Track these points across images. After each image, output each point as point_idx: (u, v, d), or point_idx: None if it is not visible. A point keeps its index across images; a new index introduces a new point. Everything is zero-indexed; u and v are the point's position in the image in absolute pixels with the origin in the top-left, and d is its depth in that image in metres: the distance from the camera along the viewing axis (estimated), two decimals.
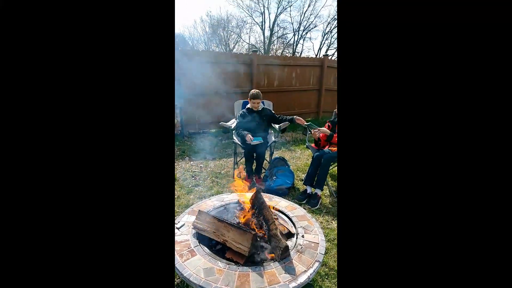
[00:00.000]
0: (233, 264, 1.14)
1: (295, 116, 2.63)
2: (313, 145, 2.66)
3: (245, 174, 2.60)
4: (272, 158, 2.78)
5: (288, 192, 2.44)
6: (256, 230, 1.31)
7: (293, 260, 1.15)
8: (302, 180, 2.53)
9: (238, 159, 2.87)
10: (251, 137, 2.38)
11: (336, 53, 14.35)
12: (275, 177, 2.50)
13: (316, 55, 14.26)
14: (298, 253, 1.21)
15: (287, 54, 14.12)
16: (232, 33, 14.66)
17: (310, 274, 1.09)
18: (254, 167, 2.61)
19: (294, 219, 1.47)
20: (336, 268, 1.50)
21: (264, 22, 14.15)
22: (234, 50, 14.43)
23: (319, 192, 2.29)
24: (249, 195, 1.63)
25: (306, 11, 13.80)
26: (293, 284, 1.03)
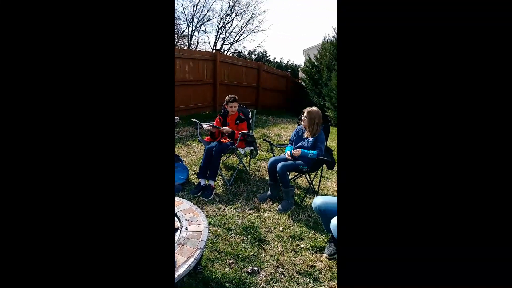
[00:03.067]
0: None
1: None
2: (206, 138, 2.71)
3: None
4: None
5: (182, 188, 2.41)
6: None
7: (175, 254, 1.16)
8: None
9: None
10: None
11: (230, 47, 14.88)
12: None
13: (212, 49, 14.35)
14: (180, 245, 1.23)
15: (182, 46, 13.54)
16: None
17: (191, 262, 1.13)
18: None
19: (179, 214, 1.47)
20: (226, 250, 1.62)
21: None
22: None
23: (212, 183, 2.37)
24: None
25: (198, 3, 13.56)
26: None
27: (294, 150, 2.26)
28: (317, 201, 1.61)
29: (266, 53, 18.82)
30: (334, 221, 1.33)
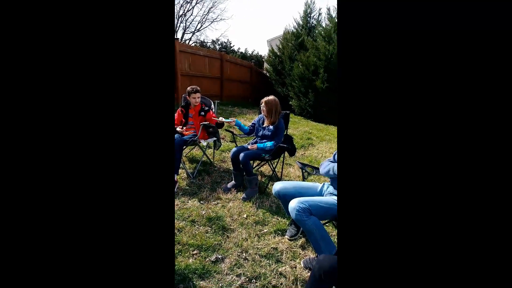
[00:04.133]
0: None
1: None
2: None
3: None
4: None
5: None
6: None
7: None
8: None
9: None
10: None
11: (192, 37, 14.30)
12: None
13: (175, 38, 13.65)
14: None
15: None
16: None
17: None
18: None
19: None
20: (190, 242, 1.61)
21: None
22: None
23: (175, 176, 2.31)
24: None
25: None
26: None
27: (249, 145, 2.32)
28: (277, 186, 1.66)
29: (230, 43, 18.51)
30: (291, 204, 1.39)
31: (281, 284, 1.36)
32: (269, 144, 2.25)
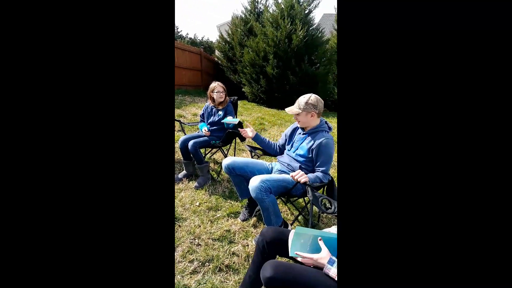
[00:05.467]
0: None
1: None
2: None
3: None
4: None
5: None
6: None
7: None
8: None
9: None
10: None
11: None
12: None
13: None
14: None
15: None
16: None
17: None
18: None
19: None
20: None
21: None
22: None
23: None
24: None
25: None
26: None
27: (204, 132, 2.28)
28: (226, 161, 1.68)
29: (177, 29, 17.43)
30: (253, 182, 1.43)
31: (234, 262, 1.41)
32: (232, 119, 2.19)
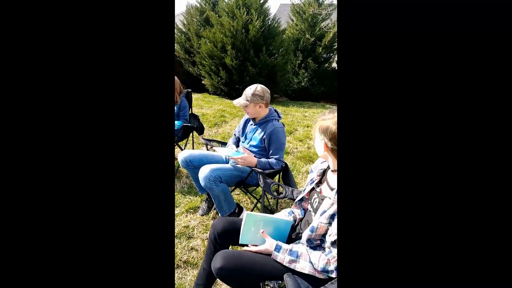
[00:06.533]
0: None
1: None
2: None
3: None
4: None
5: None
6: None
7: None
8: None
9: None
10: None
11: None
12: None
13: None
14: None
15: None
16: None
17: None
18: None
19: None
20: None
21: None
22: None
23: None
24: None
25: None
26: None
27: None
28: (182, 154, 1.65)
29: None
30: (203, 171, 1.43)
31: (193, 257, 1.40)
32: (177, 123, 2.17)
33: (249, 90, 1.55)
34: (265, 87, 1.58)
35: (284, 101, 6.90)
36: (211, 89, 6.74)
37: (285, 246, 0.93)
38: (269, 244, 0.95)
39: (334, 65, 7.95)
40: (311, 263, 0.88)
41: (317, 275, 0.87)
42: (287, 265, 0.90)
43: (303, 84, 7.70)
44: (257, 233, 1.00)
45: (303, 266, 0.88)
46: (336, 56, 7.84)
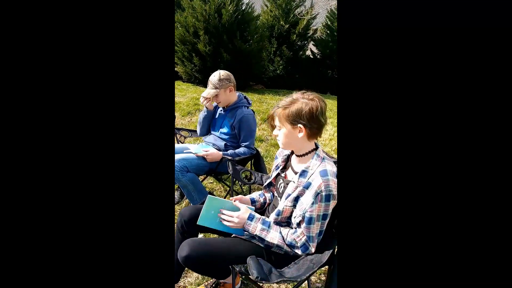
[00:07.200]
0: None
1: None
2: None
3: None
4: None
5: None
6: None
7: None
8: None
9: None
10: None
11: None
12: None
13: None
14: None
15: None
16: None
17: None
18: None
19: None
20: None
21: None
22: None
23: None
24: None
25: None
26: None
27: None
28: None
29: None
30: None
31: None
32: None
33: (213, 77, 1.51)
34: (227, 71, 1.55)
35: (260, 89, 6.86)
36: (184, 76, 6.49)
37: (258, 215, 0.96)
38: (243, 210, 0.96)
39: (309, 53, 8.00)
40: (281, 234, 0.91)
41: (285, 247, 0.90)
42: (258, 233, 0.92)
43: (278, 72, 7.68)
44: (217, 217, 0.99)
45: (273, 236, 0.91)
46: (310, 44, 7.87)
